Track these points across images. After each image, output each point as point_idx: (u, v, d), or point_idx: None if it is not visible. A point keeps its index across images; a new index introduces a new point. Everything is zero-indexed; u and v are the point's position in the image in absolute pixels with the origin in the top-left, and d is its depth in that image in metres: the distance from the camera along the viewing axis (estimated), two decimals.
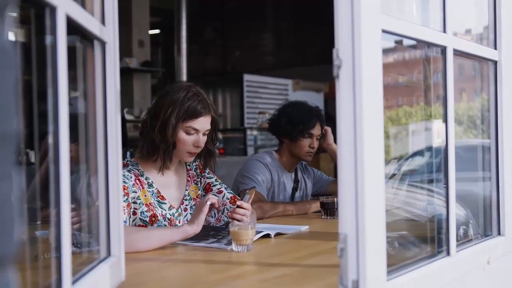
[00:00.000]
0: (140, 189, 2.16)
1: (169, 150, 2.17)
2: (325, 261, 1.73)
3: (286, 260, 1.77)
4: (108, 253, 1.35)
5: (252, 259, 1.79)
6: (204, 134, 2.21)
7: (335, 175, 3.91)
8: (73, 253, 1.06)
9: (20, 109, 0.63)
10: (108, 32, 1.35)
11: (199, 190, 2.37)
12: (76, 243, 1.36)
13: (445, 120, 1.52)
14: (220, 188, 2.38)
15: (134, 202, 2.12)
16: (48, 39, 1.00)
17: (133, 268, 1.59)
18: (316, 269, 1.65)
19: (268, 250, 1.97)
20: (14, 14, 0.64)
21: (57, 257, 1.00)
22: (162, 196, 2.22)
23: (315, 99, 6.69)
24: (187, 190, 2.33)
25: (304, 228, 2.34)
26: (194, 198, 2.34)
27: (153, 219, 2.16)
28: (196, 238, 2.03)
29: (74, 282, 1.08)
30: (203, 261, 1.76)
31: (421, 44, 1.60)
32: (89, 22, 1.20)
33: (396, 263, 1.34)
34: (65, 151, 1.01)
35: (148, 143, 2.18)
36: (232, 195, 2.35)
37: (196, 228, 1.93)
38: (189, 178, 2.36)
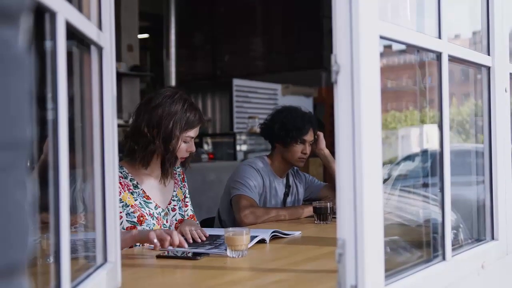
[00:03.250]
0: (122, 191, 2.21)
1: (173, 161, 2.27)
2: (321, 266, 1.73)
3: (281, 265, 1.77)
4: (105, 259, 1.34)
5: (247, 264, 1.79)
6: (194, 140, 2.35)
7: (325, 180, 3.92)
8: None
9: (36, 115, 0.63)
10: (105, 37, 1.34)
11: (183, 194, 2.47)
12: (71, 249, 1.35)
13: (440, 125, 1.53)
14: (187, 202, 2.50)
15: None
16: (47, 44, 0.99)
17: (129, 274, 1.58)
18: (313, 274, 1.65)
19: (263, 256, 1.97)
20: (29, 21, 0.64)
21: (56, 263, 1.00)
22: (148, 196, 2.29)
23: (304, 104, 6.68)
24: (175, 191, 2.42)
25: (297, 233, 2.34)
26: (182, 200, 2.44)
27: (141, 219, 2.22)
28: (193, 245, 2.02)
29: None
30: (198, 267, 1.76)
31: (411, 49, 1.61)
32: (87, 27, 1.20)
33: (392, 268, 1.35)
34: (64, 156, 1.00)
35: (149, 153, 2.24)
36: (192, 214, 2.48)
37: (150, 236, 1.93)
38: (176, 181, 2.45)
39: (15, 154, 0.58)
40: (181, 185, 2.48)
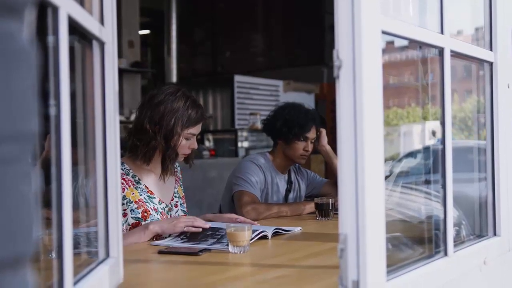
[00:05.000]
0: (126, 188, 2.23)
1: (173, 158, 2.29)
2: (323, 262, 1.73)
3: (283, 261, 1.77)
4: (107, 254, 1.35)
5: (249, 260, 1.79)
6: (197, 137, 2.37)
7: (326, 176, 3.92)
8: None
9: (39, 110, 0.63)
10: (107, 32, 1.34)
11: (182, 192, 2.50)
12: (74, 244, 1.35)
13: (443, 121, 1.53)
14: (183, 202, 2.49)
15: (121, 204, 2.15)
16: (50, 38, 0.99)
17: (131, 269, 1.58)
18: (314, 270, 1.65)
19: (265, 251, 1.97)
20: (33, 14, 0.64)
21: (58, 258, 1.00)
22: (151, 191, 2.31)
23: (306, 100, 6.70)
24: (176, 188, 2.45)
25: (298, 229, 2.34)
26: (182, 197, 2.47)
27: (145, 214, 2.24)
28: (195, 239, 2.02)
29: (74, 283, 1.07)
30: (200, 262, 1.76)
31: (413, 45, 1.61)
32: (89, 22, 1.19)
33: (394, 263, 1.35)
34: (67, 152, 1.00)
35: (151, 149, 2.25)
36: (183, 214, 2.46)
37: (158, 228, 2.07)
38: (176, 178, 2.48)
39: (20, 147, 0.58)
40: (180, 183, 2.52)
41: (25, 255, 0.59)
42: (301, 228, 2.36)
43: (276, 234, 2.21)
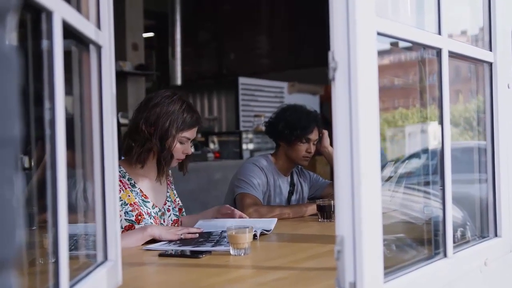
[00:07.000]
0: (122, 190, 2.25)
1: (168, 159, 2.29)
2: (322, 264, 1.73)
3: (283, 263, 1.77)
4: (105, 258, 1.35)
5: (249, 262, 1.79)
6: (191, 142, 2.38)
7: (331, 178, 3.91)
8: (70, 258, 1.06)
9: (21, 114, 0.63)
10: (104, 36, 1.34)
11: (174, 196, 2.51)
12: (71, 248, 1.36)
13: (441, 122, 1.52)
14: (174, 206, 2.49)
15: None
16: (44, 43, 1.00)
17: (130, 272, 1.59)
18: (313, 272, 1.65)
19: (265, 254, 1.97)
20: (15, 19, 0.64)
21: (55, 261, 1.00)
22: (145, 195, 2.32)
23: (310, 102, 6.70)
24: (168, 192, 2.46)
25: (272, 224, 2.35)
26: (174, 201, 2.48)
27: (139, 217, 2.25)
28: (189, 244, 2.02)
29: (71, 286, 1.07)
30: (200, 265, 1.76)
31: (416, 46, 1.60)
32: (84, 26, 1.20)
33: (393, 265, 1.35)
34: (62, 156, 1.00)
35: (145, 151, 2.27)
36: (175, 218, 2.46)
37: (157, 232, 2.09)
38: (168, 183, 2.49)
39: (3, 151, 0.58)
40: (172, 187, 2.53)
41: (6, 259, 0.59)
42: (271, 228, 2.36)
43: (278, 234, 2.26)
